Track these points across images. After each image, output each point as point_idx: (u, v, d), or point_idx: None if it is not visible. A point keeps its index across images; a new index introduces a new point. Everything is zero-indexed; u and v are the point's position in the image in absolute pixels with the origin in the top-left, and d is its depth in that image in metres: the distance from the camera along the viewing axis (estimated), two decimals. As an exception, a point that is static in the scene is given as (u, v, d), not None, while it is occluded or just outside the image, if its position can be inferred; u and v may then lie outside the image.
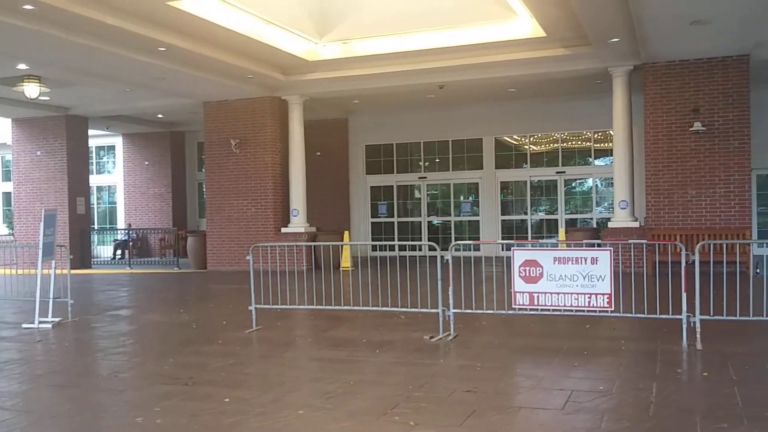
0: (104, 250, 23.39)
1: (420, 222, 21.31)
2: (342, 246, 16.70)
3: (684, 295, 7.42)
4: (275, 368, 7.11)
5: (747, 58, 13.92)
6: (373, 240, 21.38)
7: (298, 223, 17.70)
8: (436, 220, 21.32)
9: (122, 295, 14.11)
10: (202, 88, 16.47)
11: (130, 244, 22.12)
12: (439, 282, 8.30)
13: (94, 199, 24.27)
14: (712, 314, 7.67)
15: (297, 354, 7.93)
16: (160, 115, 21.45)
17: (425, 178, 21.25)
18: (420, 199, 21.48)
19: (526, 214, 20.25)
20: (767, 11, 10.96)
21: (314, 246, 16.09)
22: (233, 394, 6.00)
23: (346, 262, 16.83)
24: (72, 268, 10.99)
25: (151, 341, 8.94)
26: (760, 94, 15.98)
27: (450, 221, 21.07)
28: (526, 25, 13.54)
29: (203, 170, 19.69)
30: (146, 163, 23.62)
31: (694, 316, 7.44)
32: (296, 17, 14.34)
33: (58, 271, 10.32)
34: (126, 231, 22.60)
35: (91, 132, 21.07)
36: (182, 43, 12.95)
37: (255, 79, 16.19)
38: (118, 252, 22.67)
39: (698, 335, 7.39)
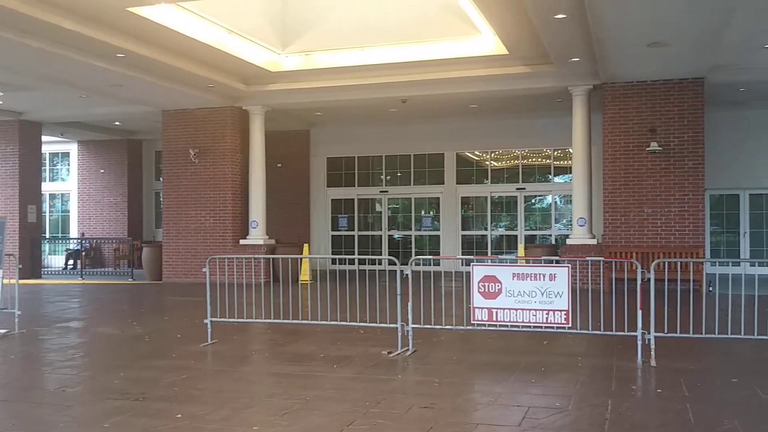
0: (56, 260, 22.82)
1: (381, 236, 21.27)
2: (301, 259, 16.55)
3: (639, 312, 7.50)
4: (230, 383, 6.97)
5: (702, 81, 14.25)
6: (333, 253, 21.27)
7: (257, 235, 17.51)
8: (396, 234, 21.31)
9: (73, 306, 13.76)
10: (161, 96, 16.24)
11: (83, 253, 21.64)
12: (399, 297, 8.25)
13: (46, 206, 23.74)
14: (666, 331, 7.79)
15: (253, 369, 7.80)
16: (117, 123, 21.10)
17: (386, 191, 21.24)
18: (381, 212, 21.46)
19: (486, 229, 20.35)
20: (720, 36, 11.23)
21: (273, 259, 15.93)
22: (186, 410, 5.86)
23: (305, 275, 16.67)
24: (21, 278, 10.68)
25: (102, 355, 8.71)
26: (714, 116, 16.37)
27: (411, 235, 21.08)
28: (488, 43, 13.67)
29: (161, 179, 19.38)
30: (102, 171, 23.16)
31: (649, 333, 7.52)
32: (259, 27, 14.26)
33: (6, 281, 10.02)
34: (79, 240, 22.10)
35: (44, 138, 20.63)
36: (142, 50, 12.76)
37: (216, 88, 16.03)
38: (70, 262, 22.10)
39: (653, 352, 7.48)
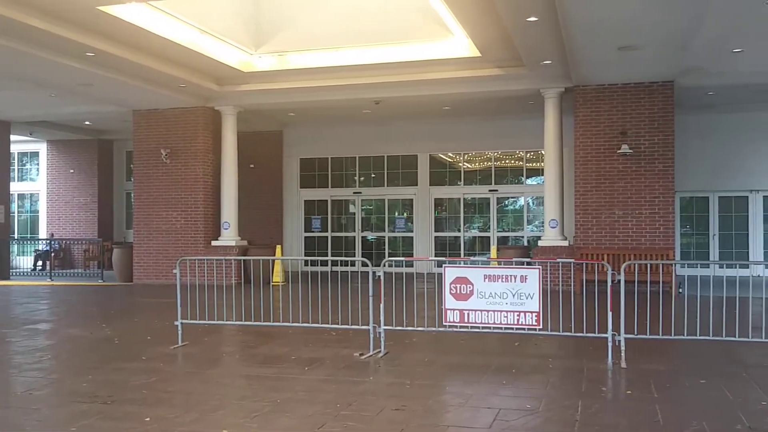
0: (24, 261, 22.47)
1: (354, 237, 21.24)
2: (273, 260, 16.48)
3: (609, 314, 7.56)
4: (200, 386, 6.90)
5: (671, 84, 14.44)
6: (306, 255, 21.20)
7: (229, 237, 17.39)
8: (370, 235, 21.29)
9: (42, 308, 13.54)
10: (132, 95, 16.06)
11: (52, 254, 21.31)
12: (371, 298, 8.24)
13: (14, 207, 23.35)
14: (636, 333, 7.87)
15: (223, 371, 7.73)
16: (87, 122, 20.82)
17: (360, 193, 21.22)
18: (354, 214, 21.42)
19: (459, 231, 20.42)
20: (689, 40, 11.39)
21: (244, 260, 15.84)
22: (154, 413, 5.79)
23: (277, 276, 16.61)
24: (-13, 280, 10.49)
25: (70, 357, 8.57)
26: (684, 119, 16.59)
27: (384, 237, 21.07)
28: (461, 45, 13.72)
29: (132, 180, 19.18)
30: (71, 171, 22.85)
31: (619, 334, 7.59)
32: (232, 28, 14.16)
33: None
34: (48, 241, 21.77)
35: (13, 137, 20.30)
36: (112, 49, 12.61)
37: (188, 88, 15.89)
38: (39, 263, 21.78)
39: (623, 354, 7.54)
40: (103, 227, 22.76)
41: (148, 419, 5.62)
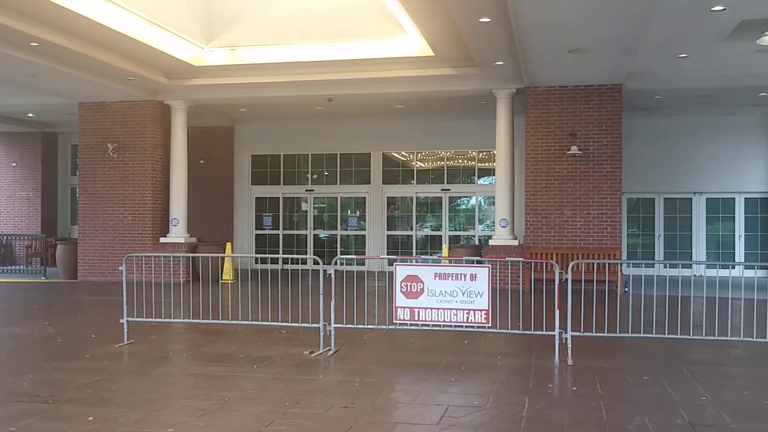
0: (-36, 257, 21.75)
1: (306, 235, 21.12)
2: (223, 257, 16.28)
3: (557, 312, 7.67)
4: (146, 384, 6.78)
5: (620, 88, 14.72)
6: (257, 252, 20.99)
7: (178, 233, 17.10)
8: (322, 233, 21.21)
9: (-19, 305, 13.13)
10: (77, 87, 15.65)
11: (-6, 250, 20.70)
12: (321, 296, 8.20)
13: (-47, 201, 22.57)
14: (582, 331, 8.00)
15: (170, 369, 7.60)
16: (31, 114, 20.22)
17: (312, 190, 21.11)
18: (306, 211, 21.31)
19: (411, 229, 20.48)
20: (637, 44, 11.63)
21: (193, 257, 15.61)
22: (98, 413, 5.66)
23: (227, 274, 16.42)
24: None
25: (10, 356, 8.32)
26: (631, 122, 16.94)
27: (336, 235, 21.01)
28: (415, 44, 13.76)
29: (77, 174, 18.72)
30: (13, 164, 22.18)
31: (566, 332, 7.71)
32: (183, 20, 13.93)
33: None
34: (-11, 236, 21.13)
35: (-48, 129, 19.63)
36: (57, 39, 12.26)
37: (136, 81, 15.57)
38: (-20, 259, 21.14)
39: (569, 351, 7.66)
40: (47, 223, 22.15)
41: (91, 419, 5.49)
